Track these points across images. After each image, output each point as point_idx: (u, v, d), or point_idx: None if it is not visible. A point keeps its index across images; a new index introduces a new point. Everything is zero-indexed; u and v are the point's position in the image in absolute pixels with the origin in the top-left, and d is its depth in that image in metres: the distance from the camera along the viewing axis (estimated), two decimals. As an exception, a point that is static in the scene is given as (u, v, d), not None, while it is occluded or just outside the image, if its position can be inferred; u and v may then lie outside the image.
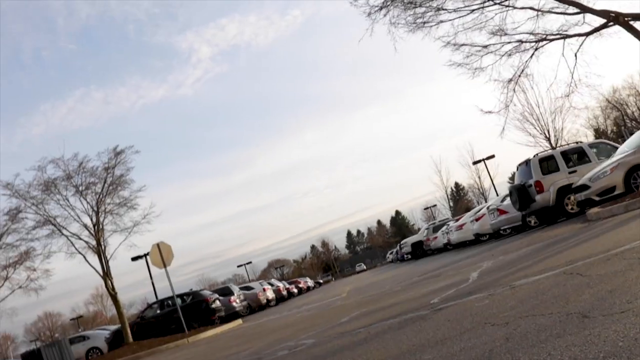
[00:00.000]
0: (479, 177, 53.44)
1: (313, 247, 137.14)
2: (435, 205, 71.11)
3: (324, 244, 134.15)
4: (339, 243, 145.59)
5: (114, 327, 28.84)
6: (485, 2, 15.92)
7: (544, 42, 16.18)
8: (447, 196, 65.46)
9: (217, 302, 23.02)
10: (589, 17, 15.43)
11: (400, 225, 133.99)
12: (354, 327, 6.69)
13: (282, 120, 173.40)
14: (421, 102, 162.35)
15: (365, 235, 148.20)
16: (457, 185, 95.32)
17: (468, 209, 58.95)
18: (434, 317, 5.23)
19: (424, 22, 16.00)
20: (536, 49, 16.32)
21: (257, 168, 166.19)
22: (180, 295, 22.25)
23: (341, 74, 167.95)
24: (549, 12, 15.59)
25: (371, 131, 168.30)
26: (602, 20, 15.10)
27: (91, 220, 20.83)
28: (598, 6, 15.14)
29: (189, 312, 20.76)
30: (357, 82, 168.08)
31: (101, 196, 20.93)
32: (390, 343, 4.53)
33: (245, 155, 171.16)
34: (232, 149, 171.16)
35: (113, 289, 20.88)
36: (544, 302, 4.09)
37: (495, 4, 15.85)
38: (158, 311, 23.24)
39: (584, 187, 14.49)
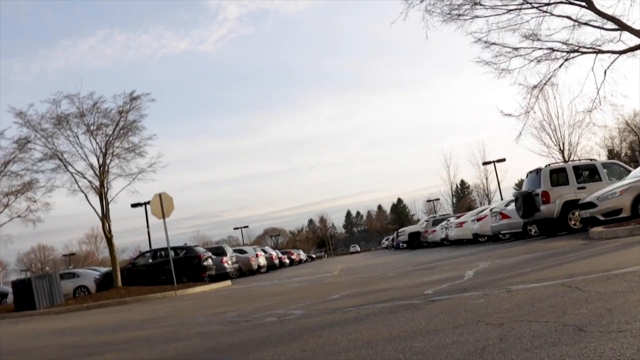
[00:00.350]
0: (486, 178, 53.32)
1: (311, 221, 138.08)
2: (438, 199, 71.20)
3: (322, 220, 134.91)
4: (337, 221, 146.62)
5: (104, 269, 29.13)
6: (523, 3, 15.70)
7: (576, 54, 15.98)
8: (452, 192, 65.48)
9: (210, 260, 23.16)
10: (625, 35, 15.23)
11: (400, 213, 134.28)
12: (344, 305, 6.73)
13: (299, 91, 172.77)
14: (442, 95, 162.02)
15: (364, 217, 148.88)
16: (462, 182, 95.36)
17: (470, 208, 59.00)
18: (427, 307, 5.25)
19: (459, 15, 15.82)
20: (566, 59, 16.13)
21: (268, 135, 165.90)
22: (174, 248, 22.36)
23: (366, 53, 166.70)
24: (586, 24, 15.36)
25: (387, 116, 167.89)
26: (639, 41, 14.89)
27: (98, 160, 20.90)
28: (637, 26, 14.92)
29: (180, 266, 20.88)
30: (380, 65, 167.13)
31: (111, 138, 20.96)
32: (380, 326, 4.56)
33: (257, 120, 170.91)
34: (245, 112, 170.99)
35: (110, 231, 21.03)
36: (540, 310, 4.10)
37: (533, 7, 15.63)
38: (150, 260, 23.43)
39: (591, 204, 14.46)
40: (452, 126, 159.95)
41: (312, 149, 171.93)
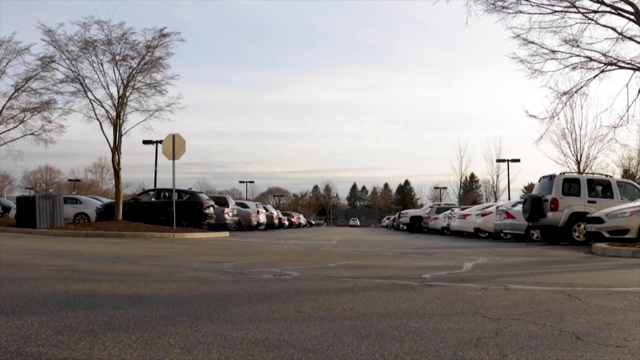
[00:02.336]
0: (497, 176, 52.99)
1: (316, 187, 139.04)
2: (445, 188, 70.95)
3: (327, 189, 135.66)
4: (342, 192, 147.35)
5: (106, 200, 29.38)
6: (570, 7, 15.36)
7: (613, 67, 15.67)
8: (460, 183, 65.19)
9: (211, 209, 23.27)
10: (668, 55, 14.92)
11: (405, 195, 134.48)
12: (341, 274, 6.76)
13: (323, 57, 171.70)
14: (468, 85, 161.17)
15: (369, 193, 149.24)
16: (472, 176, 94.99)
17: (475, 202, 58.97)
18: (424, 290, 5.26)
19: (503, 7, 15.47)
20: (602, 71, 15.83)
21: (286, 96, 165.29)
22: (178, 191, 22.42)
23: (399, 31, 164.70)
24: (630, 38, 15.02)
25: (409, 97, 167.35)
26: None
27: (118, 91, 20.83)
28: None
29: (181, 210, 21.00)
30: (412, 45, 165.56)
31: (134, 72, 20.86)
32: (377, 301, 4.58)
33: (277, 79, 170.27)
34: (267, 69, 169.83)
35: (118, 164, 21.11)
36: (538, 312, 4.09)
37: (580, 12, 15.28)
38: (153, 199, 23.57)
39: (599, 219, 14.40)
40: (472, 118, 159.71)
41: (329, 117, 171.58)
